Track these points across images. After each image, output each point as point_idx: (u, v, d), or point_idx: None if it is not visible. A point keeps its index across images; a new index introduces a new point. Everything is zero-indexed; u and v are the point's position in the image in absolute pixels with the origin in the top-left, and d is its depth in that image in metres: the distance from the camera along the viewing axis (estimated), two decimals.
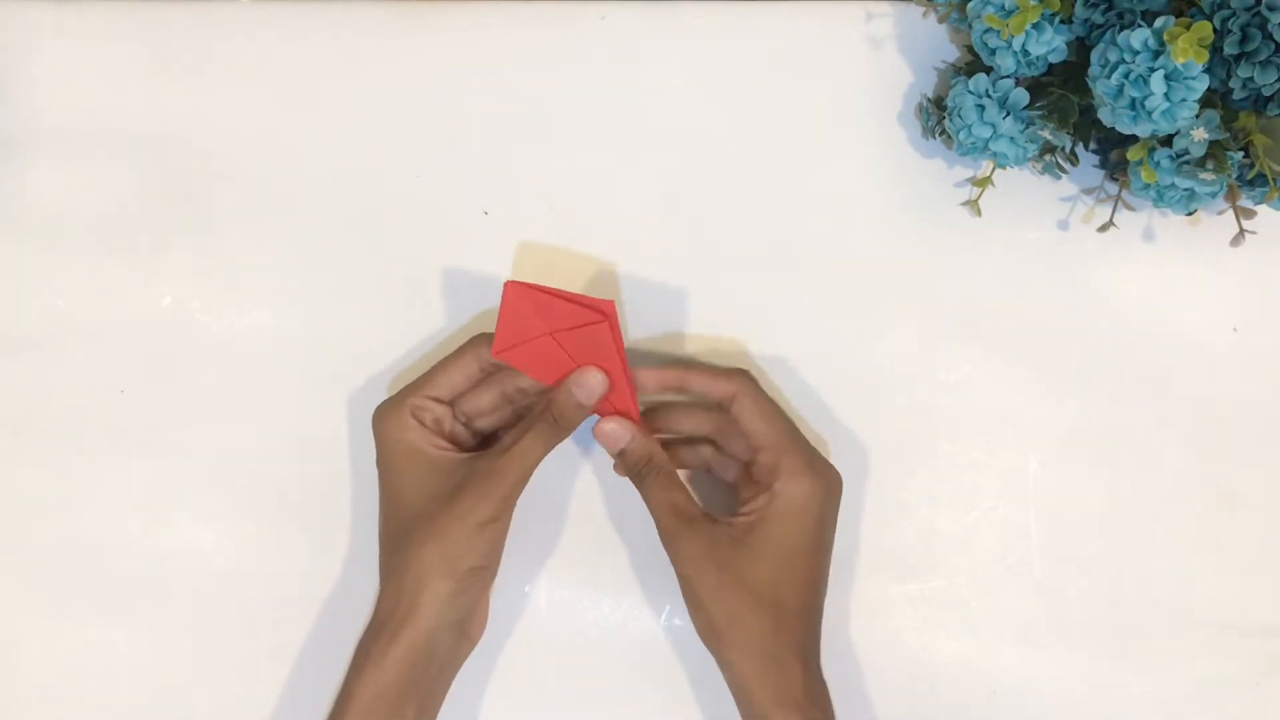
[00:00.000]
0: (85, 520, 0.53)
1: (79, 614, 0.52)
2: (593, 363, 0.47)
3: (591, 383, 0.46)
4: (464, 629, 0.47)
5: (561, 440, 0.47)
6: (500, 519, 0.46)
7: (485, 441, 0.50)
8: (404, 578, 0.45)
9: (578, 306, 0.46)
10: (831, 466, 0.48)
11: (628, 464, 0.47)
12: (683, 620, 0.52)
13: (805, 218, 0.54)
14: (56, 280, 0.54)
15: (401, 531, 0.46)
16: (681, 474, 0.52)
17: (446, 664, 0.46)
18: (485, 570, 0.46)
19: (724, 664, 0.45)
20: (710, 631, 0.45)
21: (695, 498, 0.47)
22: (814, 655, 0.46)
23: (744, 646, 0.44)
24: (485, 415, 0.49)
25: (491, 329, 0.47)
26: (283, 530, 0.53)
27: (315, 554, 0.53)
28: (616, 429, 0.47)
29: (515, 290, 0.46)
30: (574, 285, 0.53)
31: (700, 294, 0.53)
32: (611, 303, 0.46)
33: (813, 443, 0.48)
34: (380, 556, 0.48)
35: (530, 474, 0.46)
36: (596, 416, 0.48)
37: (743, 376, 0.48)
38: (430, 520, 0.45)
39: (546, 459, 0.47)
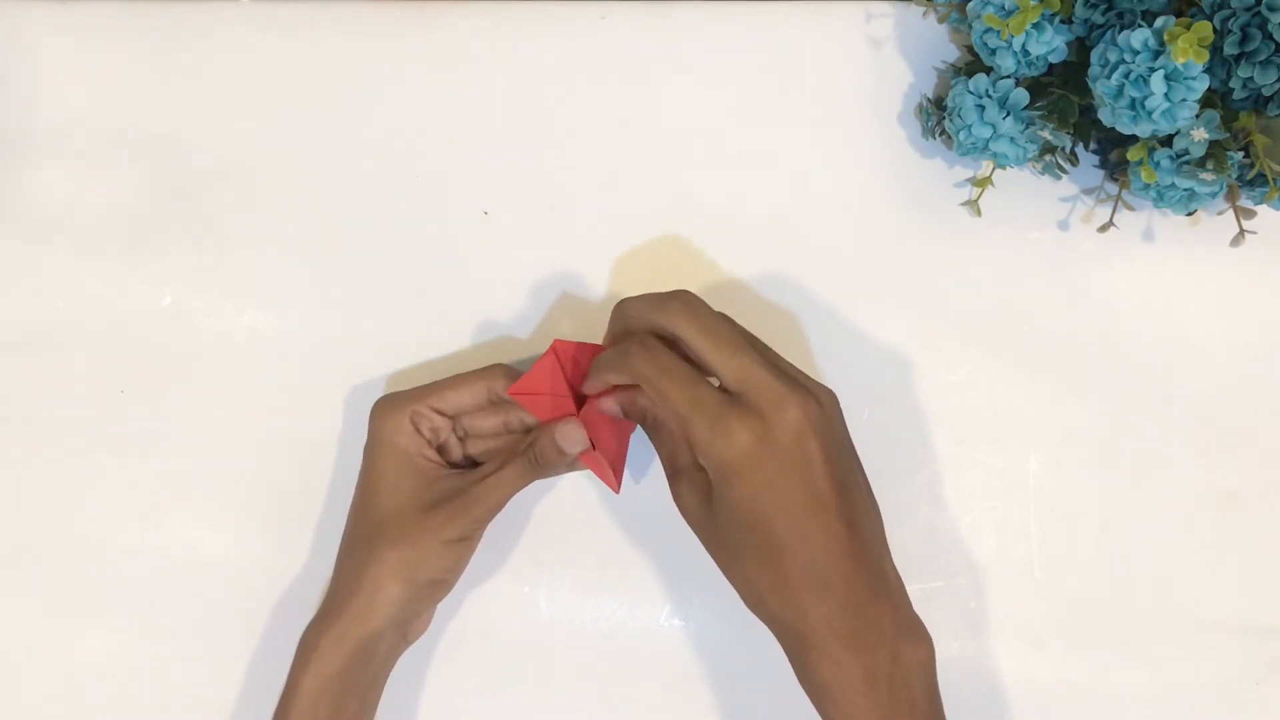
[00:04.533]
0: (85, 520, 0.53)
1: (79, 614, 0.52)
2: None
3: (575, 435, 0.46)
4: (405, 631, 0.48)
5: (539, 478, 0.48)
6: (469, 539, 0.47)
7: (473, 464, 0.50)
8: (362, 576, 0.46)
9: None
10: (766, 400, 0.40)
11: (637, 421, 0.47)
12: (683, 620, 0.52)
13: (805, 217, 0.54)
14: (56, 280, 0.54)
15: (369, 529, 0.47)
16: None
17: (385, 661, 0.48)
18: (443, 584, 0.47)
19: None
20: (725, 568, 0.44)
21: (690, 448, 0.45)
22: (830, 605, 0.40)
23: (744, 592, 0.43)
24: (483, 438, 0.50)
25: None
26: (283, 530, 0.53)
27: (315, 554, 0.53)
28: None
29: (554, 358, 0.46)
30: (571, 283, 0.53)
31: (699, 294, 0.53)
32: None
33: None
34: (342, 545, 0.48)
35: (504, 504, 0.47)
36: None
37: (631, 360, 0.42)
38: (400, 526, 0.46)
39: None
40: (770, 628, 0.43)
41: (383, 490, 0.47)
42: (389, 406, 0.48)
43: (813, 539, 0.40)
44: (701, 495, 0.43)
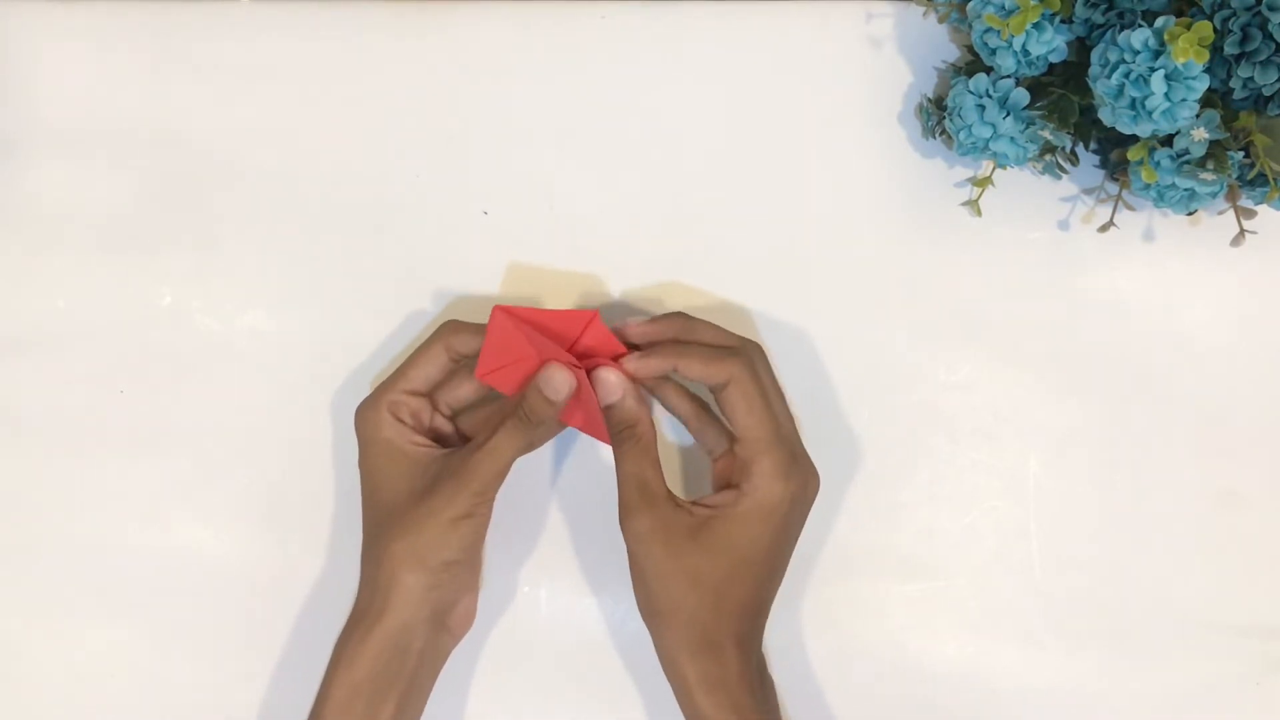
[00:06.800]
0: (85, 520, 0.53)
1: (78, 614, 0.52)
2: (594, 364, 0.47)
3: (557, 380, 0.45)
4: (442, 622, 0.47)
5: (534, 437, 0.47)
6: (475, 514, 0.45)
7: (469, 438, 0.50)
8: (377, 573, 0.45)
9: (564, 320, 0.46)
10: (809, 468, 0.46)
11: (612, 422, 0.46)
12: None
13: (805, 217, 0.54)
14: (56, 280, 0.54)
15: (376, 528, 0.47)
16: (671, 444, 0.52)
17: (426, 657, 0.46)
18: (461, 565, 0.46)
19: (658, 643, 0.45)
20: (649, 610, 0.45)
21: (663, 477, 0.46)
22: (752, 645, 0.45)
23: (679, 629, 0.44)
24: (470, 411, 0.50)
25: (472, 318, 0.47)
26: (283, 530, 0.53)
27: (315, 554, 0.53)
28: (614, 381, 0.46)
29: (503, 316, 0.46)
30: (572, 284, 0.53)
31: (699, 294, 0.53)
32: (596, 311, 0.46)
33: (805, 437, 0.47)
34: (361, 553, 0.48)
35: (505, 471, 0.46)
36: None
37: (738, 362, 0.45)
38: (403, 516, 0.45)
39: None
40: (671, 636, 0.45)
41: (380, 487, 0.47)
42: (366, 406, 0.48)
43: (779, 576, 0.47)
44: (685, 525, 0.45)
